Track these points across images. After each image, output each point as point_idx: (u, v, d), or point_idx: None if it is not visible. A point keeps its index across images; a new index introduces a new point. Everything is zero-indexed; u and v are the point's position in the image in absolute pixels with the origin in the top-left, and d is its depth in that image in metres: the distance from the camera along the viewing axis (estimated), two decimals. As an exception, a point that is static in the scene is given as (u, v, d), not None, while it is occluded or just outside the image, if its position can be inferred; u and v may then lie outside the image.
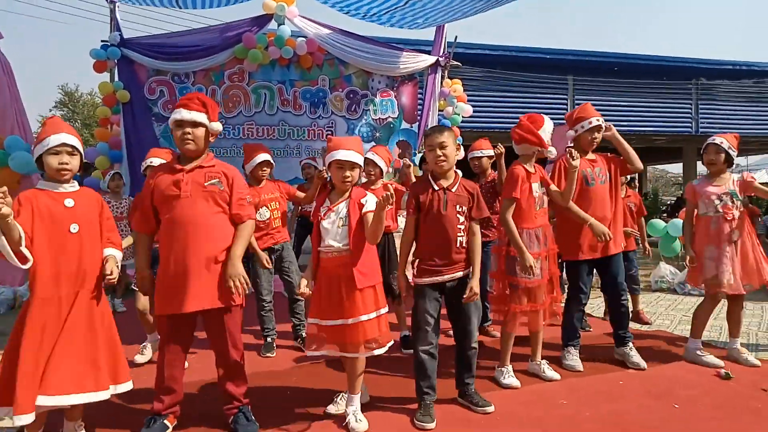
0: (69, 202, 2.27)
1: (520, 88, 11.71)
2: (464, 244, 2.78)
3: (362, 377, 2.69)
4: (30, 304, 2.19)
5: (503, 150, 3.99)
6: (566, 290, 3.72)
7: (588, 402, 2.92)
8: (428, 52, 7.88)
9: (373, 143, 7.53)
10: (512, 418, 2.73)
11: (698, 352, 3.57)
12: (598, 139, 3.51)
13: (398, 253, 4.13)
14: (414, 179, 3.77)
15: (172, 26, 29.60)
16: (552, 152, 3.33)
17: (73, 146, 2.30)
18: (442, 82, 7.93)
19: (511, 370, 3.22)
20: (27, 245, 2.10)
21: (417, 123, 7.92)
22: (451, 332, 2.97)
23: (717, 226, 3.52)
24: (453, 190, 2.78)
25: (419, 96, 8.08)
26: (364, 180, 3.75)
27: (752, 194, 3.75)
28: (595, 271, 3.59)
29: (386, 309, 2.66)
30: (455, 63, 8.03)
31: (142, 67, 6.80)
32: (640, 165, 3.65)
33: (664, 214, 14.57)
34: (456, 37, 8.01)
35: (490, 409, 2.78)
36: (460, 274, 2.77)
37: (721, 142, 3.58)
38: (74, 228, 2.26)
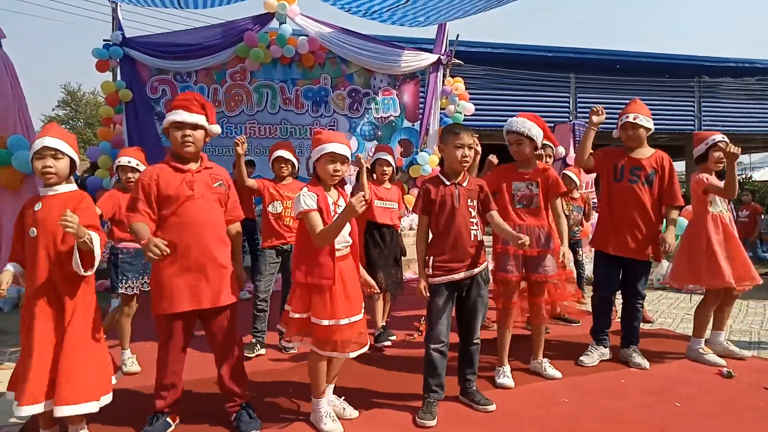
0: (37, 206, 2.31)
1: (522, 86, 11.71)
2: (478, 238, 2.78)
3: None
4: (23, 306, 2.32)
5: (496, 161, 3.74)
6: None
7: (589, 400, 2.92)
8: (430, 51, 7.88)
9: (375, 142, 7.54)
10: (513, 416, 2.74)
11: (700, 351, 3.55)
12: (632, 135, 3.42)
13: (392, 251, 4.17)
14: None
15: (174, 25, 29.65)
16: (560, 151, 3.33)
17: (56, 149, 2.31)
18: (444, 81, 7.93)
19: (507, 370, 3.20)
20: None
21: (419, 121, 7.92)
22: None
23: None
24: (464, 185, 2.80)
25: (421, 94, 8.08)
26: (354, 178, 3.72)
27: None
28: None
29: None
30: (457, 61, 8.02)
31: (144, 66, 6.82)
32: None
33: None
34: (458, 35, 8.02)
35: (492, 407, 2.78)
36: (475, 270, 2.77)
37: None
38: (32, 232, 2.29)
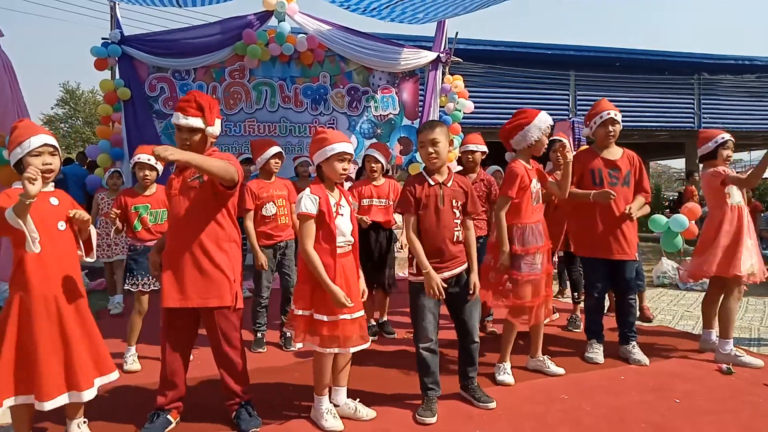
0: (54, 201, 2.32)
1: (521, 83, 11.70)
2: (461, 239, 2.80)
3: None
4: (13, 300, 2.20)
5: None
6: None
7: (589, 397, 2.93)
8: (429, 49, 7.86)
9: (374, 140, 7.53)
10: (513, 412, 2.74)
11: (735, 354, 3.43)
12: (614, 132, 3.50)
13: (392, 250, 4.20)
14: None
15: (173, 23, 29.61)
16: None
17: (54, 146, 2.31)
18: (443, 78, 7.91)
19: (508, 367, 3.21)
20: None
21: (418, 119, 7.91)
22: (450, 325, 2.98)
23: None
24: (448, 185, 2.79)
25: (420, 92, 8.06)
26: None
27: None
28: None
29: None
30: (456, 59, 8.00)
31: (143, 64, 6.80)
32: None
33: (667, 210, 14.54)
34: (457, 33, 7.99)
35: (492, 405, 2.79)
36: (458, 270, 2.78)
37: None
38: (62, 225, 2.30)
